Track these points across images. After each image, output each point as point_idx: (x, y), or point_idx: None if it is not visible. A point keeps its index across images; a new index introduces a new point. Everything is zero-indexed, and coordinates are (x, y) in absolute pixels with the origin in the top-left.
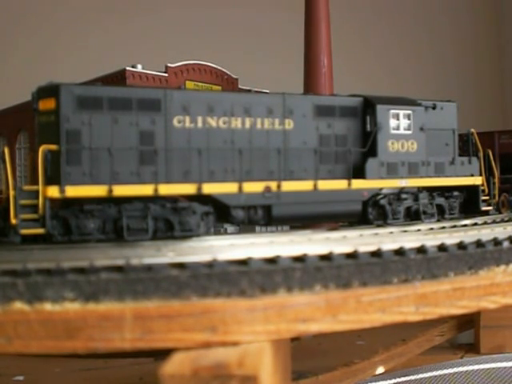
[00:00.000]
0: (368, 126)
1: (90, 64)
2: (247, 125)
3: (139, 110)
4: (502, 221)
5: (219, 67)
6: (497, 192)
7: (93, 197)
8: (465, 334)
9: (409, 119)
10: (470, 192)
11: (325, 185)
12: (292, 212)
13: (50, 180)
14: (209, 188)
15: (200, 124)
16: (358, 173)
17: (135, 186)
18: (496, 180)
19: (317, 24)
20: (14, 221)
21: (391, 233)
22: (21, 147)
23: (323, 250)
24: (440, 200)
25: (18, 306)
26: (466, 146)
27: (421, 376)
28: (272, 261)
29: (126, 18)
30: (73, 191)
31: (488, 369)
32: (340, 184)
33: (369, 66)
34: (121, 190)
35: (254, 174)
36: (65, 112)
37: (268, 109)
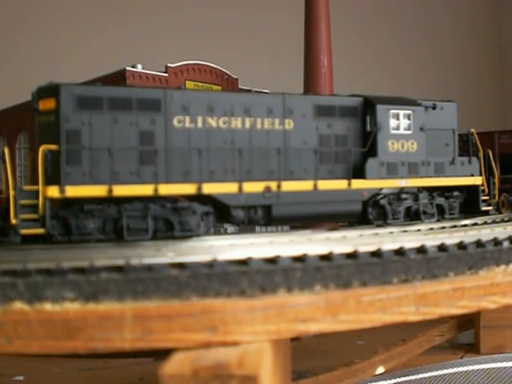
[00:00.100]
0: (368, 126)
1: (90, 64)
2: (247, 125)
3: (139, 110)
4: (502, 221)
5: (219, 67)
6: (497, 192)
7: (93, 197)
8: (465, 334)
9: (409, 119)
10: (470, 192)
11: (325, 185)
12: (292, 212)
13: (50, 180)
14: (209, 188)
15: (200, 124)
16: (358, 173)
17: (135, 186)
18: (496, 180)
19: (317, 24)
20: (13, 221)
21: (391, 233)
22: (21, 147)
23: (323, 249)
24: (440, 200)
25: (18, 306)
26: (466, 146)
27: (421, 376)
28: (272, 261)
29: (126, 18)
30: (73, 191)
31: (488, 369)
32: (340, 184)
33: (369, 66)
34: (121, 190)
35: (253, 174)
36: (65, 112)
37: (268, 109)
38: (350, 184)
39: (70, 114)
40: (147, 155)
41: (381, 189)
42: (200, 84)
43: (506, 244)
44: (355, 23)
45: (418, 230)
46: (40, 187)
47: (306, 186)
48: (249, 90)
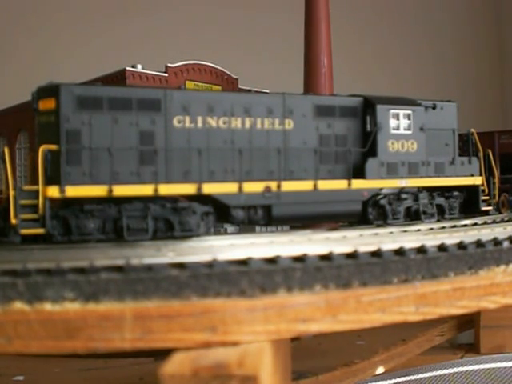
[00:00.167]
0: (368, 126)
1: (90, 64)
2: (247, 125)
3: (139, 110)
4: (502, 221)
5: (219, 67)
6: (497, 192)
7: (93, 197)
8: (465, 333)
9: (409, 119)
10: (470, 192)
11: (325, 185)
12: (292, 212)
13: (50, 180)
14: (209, 188)
15: (200, 124)
16: (358, 173)
17: (135, 186)
18: (496, 180)
19: (317, 24)
20: (13, 221)
21: (391, 233)
22: (21, 147)
23: (323, 249)
24: (440, 200)
25: (18, 306)
26: (466, 146)
27: (421, 376)
28: (272, 261)
29: (125, 18)
30: (73, 191)
31: (488, 369)
32: (340, 184)
33: (369, 66)
34: (121, 190)
35: (253, 174)
36: (65, 112)
37: (268, 109)
38: (349, 184)
39: (70, 113)
40: (147, 155)
41: (381, 189)
42: (200, 84)
43: (506, 244)
44: (355, 23)
45: (418, 230)
46: (40, 187)
47: (306, 186)
48: (249, 90)
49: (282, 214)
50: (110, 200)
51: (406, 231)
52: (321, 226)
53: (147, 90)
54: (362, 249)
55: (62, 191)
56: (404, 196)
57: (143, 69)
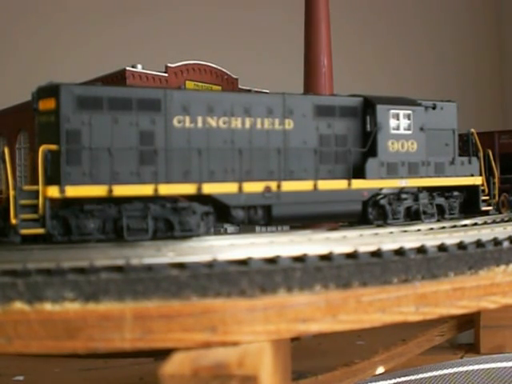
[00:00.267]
0: (368, 126)
1: (90, 64)
2: (247, 125)
3: (139, 110)
4: (502, 221)
5: (219, 67)
6: (497, 192)
7: (93, 197)
8: (465, 334)
9: (409, 119)
10: (470, 192)
11: (325, 185)
12: (292, 212)
13: (50, 180)
14: (209, 188)
15: (200, 124)
16: (358, 173)
17: (135, 185)
18: (496, 180)
19: (317, 24)
20: (13, 221)
21: (391, 233)
22: (21, 147)
23: (323, 249)
24: (440, 200)
25: (18, 306)
26: (466, 145)
27: (421, 376)
28: (272, 261)
29: (125, 18)
30: (73, 191)
31: (488, 369)
32: (340, 184)
33: (369, 66)
34: (121, 190)
35: (253, 174)
36: (65, 112)
37: (268, 109)
38: (349, 184)
39: (70, 113)
40: (147, 155)
41: (381, 189)
42: (200, 84)
43: (506, 244)
44: (355, 23)
45: (418, 230)
46: (40, 187)
47: (306, 185)
48: (249, 90)
49: (282, 214)
50: (110, 200)
51: (406, 231)
52: (321, 226)
53: (147, 90)
54: (362, 249)
55: (62, 191)
56: (404, 196)
57: (143, 69)
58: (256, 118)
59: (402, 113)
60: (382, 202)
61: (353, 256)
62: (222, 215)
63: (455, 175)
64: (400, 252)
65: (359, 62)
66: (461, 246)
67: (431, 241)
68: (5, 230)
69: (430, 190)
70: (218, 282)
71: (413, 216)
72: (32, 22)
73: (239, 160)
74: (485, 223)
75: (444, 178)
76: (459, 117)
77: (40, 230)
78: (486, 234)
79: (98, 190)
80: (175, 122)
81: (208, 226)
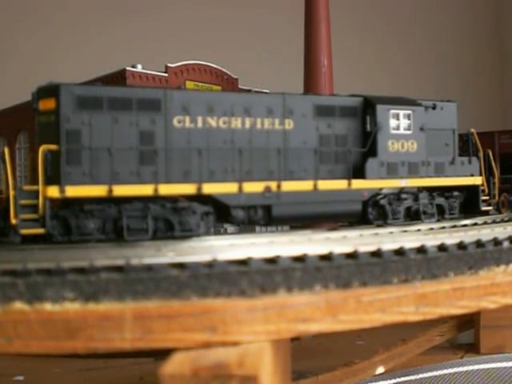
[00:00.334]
0: (368, 126)
1: (90, 64)
2: (247, 125)
3: (139, 110)
4: (502, 221)
5: (219, 67)
6: (497, 192)
7: (93, 197)
8: (465, 334)
9: (409, 119)
10: (470, 192)
11: (325, 185)
12: (292, 212)
13: (50, 180)
14: (209, 188)
15: (200, 124)
16: (358, 173)
17: (135, 186)
18: (496, 180)
19: (317, 25)
20: (14, 221)
21: (391, 233)
22: (21, 147)
23: (323, 249)
24: (440, 200)
25: (18, 305)
26: (466, 146)
27: (421, 376)
28: (272, 261)
29: (125, 17)
30: (73, 191)
31: (488, 369)
32: (340, 184)
33: (369, 66)
34: (121, 190)
35: (253, 174)
36: (65, 112)
37: (268, 109)
38: (349, 184)
39: (70, 113)
40: (147, 155)
41: (381, 189)
42: (200, 84)
43: (506, 244)
44: (355, 24)
45: (418, 230)
46: (40, 187)
47: (306, 185)
48: (249, 90)
49: (282, 213)
50: (110, 200)
51: (406, 231)
52: (321, 226)
53: (147, 90)
54: (362, 249)
55: (62, 191)
56: (404, 196)
57: (143, 69)
58: (256, 118)
59: (402, 113)
60: (382, 201)
61: (353, 256)
62: (222, 215)
63: (455, 175)
64: (400, 252)
65: (359, 62)
66: (461, 246)
67: (431, 241)
68: (5, 229)
69: (430, 189)
70: (217, 281)
71: (413, 216)
72: (32, 22)
73: (239, 160)
74: (485, 223)
75: (444, 178)
76: (459, 117)
77: (40, 230)
78: (486, 234)
79: (97, 190)
80: (175, 121)
81: (208, 226)
